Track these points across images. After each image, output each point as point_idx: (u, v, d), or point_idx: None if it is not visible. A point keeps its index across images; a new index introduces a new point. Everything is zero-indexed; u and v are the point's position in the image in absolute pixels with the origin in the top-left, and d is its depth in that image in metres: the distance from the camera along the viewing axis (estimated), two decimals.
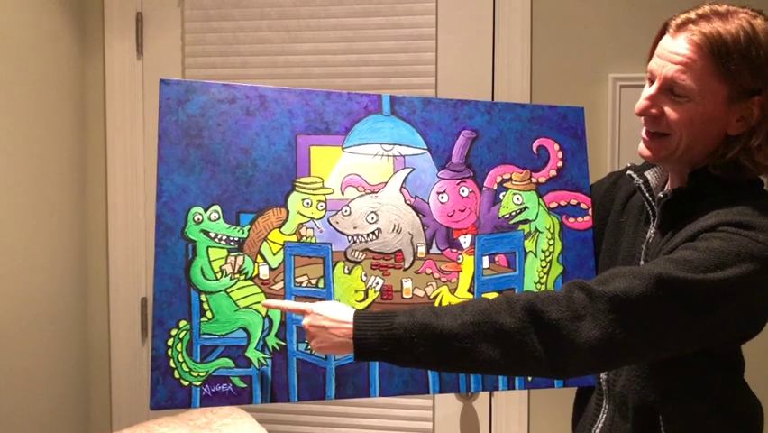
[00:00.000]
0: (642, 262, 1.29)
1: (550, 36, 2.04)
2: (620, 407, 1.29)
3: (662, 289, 1.07)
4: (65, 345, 2.21)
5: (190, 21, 2.26)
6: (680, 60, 1.17)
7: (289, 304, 1.29)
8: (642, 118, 1.25)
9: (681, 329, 1.11)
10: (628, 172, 1.36)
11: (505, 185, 1.46)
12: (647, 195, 1.31)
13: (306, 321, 1.19)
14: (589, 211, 1.49)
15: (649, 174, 1.34)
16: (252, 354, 1.30)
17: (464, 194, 1.44)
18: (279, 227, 1.34)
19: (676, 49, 1.18)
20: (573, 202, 1.49)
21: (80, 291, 2.28)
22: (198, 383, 1.28)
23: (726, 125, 1.20)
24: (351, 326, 1.13)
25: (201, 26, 2.26)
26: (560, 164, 1.49)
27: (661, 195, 1.26)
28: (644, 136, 1.25)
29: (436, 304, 1.39)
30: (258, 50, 2.23)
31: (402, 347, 1.10)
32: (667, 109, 1.20)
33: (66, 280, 2.21)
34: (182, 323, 1.29)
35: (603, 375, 1.32)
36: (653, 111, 1.21)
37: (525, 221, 1.46)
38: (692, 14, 1.19)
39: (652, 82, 1.23)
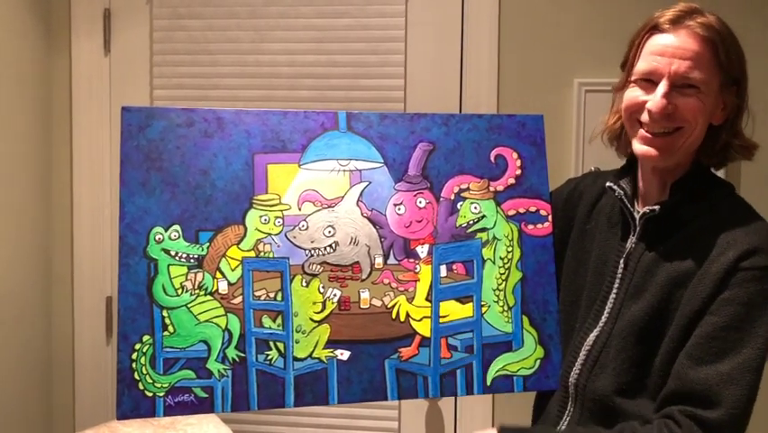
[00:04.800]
0: (620, 271, 1.43)
1: (517, 41, 2.18)
2: (591, 410, 1.42)
3: (756, 375, 1.27)
4: (28, 343, 2.30)
5: (159, 18, 2.36)
6: (690, 56, 1.31)
7: None
8: (641, 118, 1.36)
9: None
10: (608, 184, 1.48)
11: (462, 195, 1.58)
12: (628, 206, 1.45)
13: None
14: (549, 218, 1.59)
15: (624, 184, 1.47)
16: (213, 365, 1.46)
17: (421, 205, 1.56)
18: (238, 244, 1.48)
19: (682, 44, 1.31)
20: (532, 209, 1.59)
21: (45, 290, 2.38)
22: (162, 394, 1.43)
23: (713, 116, 1.35)
24: None
25: (170, 24, 2.36)
26: (518, 172, 1.60)
27: (647, 210, 1.39)
28: (647, 136, 1.36)
29: (394, 314, 1.53)
30: (227, 48, 2.34)
31: None
32: (680, 103, 1.32)
33: (30, 279, 2.31)
34: (145, 337, 1.44)
35: (572, 379, 1.46)
36: (670, 108, 1.33)
37: (483, 229, 1.57)
38: (679, 11, 1.34)
39: (649, 82, 1.35)
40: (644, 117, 1.36)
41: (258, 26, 2.33)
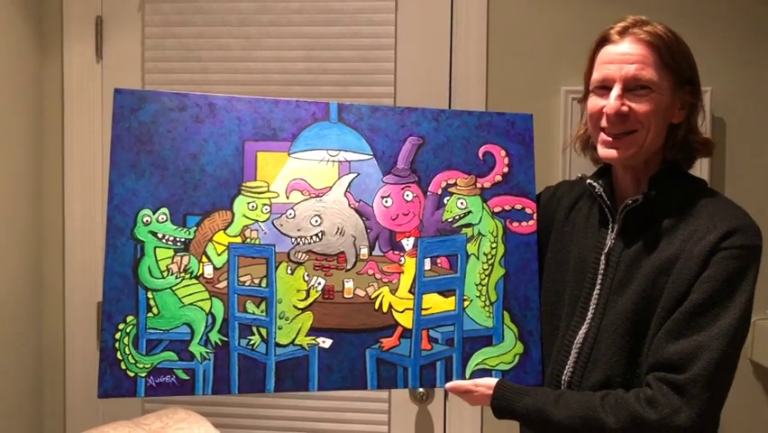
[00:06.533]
0: (602, 267, 1.48)
1: (505, 50, 2.24)
2: None
3: (729, 342, 1.32)
4: (19, 348, 2.30)
5: (150, 26, 2.38)
6: (636, 59, 1.42)
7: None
8: (601, 124, 1.46)
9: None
10: (589, 181, 1.54)
11: (449, 190, 1.61)
12: (607, 201, 1.51)
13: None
14: (534, 216, 1.63)
15: (602, 182, 1.53)
16: (195, 348, 1.48)
17: (408, 198, 1.60)
18: (225, 229, 1.51)
19: (628, 50, 1.43)
20: (518, 207, 1.64)
21: (36, 294, 2.38)
22: (143, 375, 1.46)
23: (672, 115, 1.46)
24: (491, 392, 1.51)
25: (161, 31, 2.38)
26: (506, 170, 1.64)
27: (629, 201, 1.46)
28: (607, 139, 1.46)
29: (377, 305, 1.56)
30: (218, 56, 2.36)
31: (521, 419, 1.49)
32: (634, 105, 1.42)
33: (21, 284, 2.31)
34: (129, 318, 1.46)
35: (565, 377, 1.50)
36: (625, 108, 1.43)
37: (469, 225, 1.61)
38: (626, 23, 1.46)
39: (605, 89, 1.45)
40: (603, 122, 1.46)
41: (249, 34, 2.37)
